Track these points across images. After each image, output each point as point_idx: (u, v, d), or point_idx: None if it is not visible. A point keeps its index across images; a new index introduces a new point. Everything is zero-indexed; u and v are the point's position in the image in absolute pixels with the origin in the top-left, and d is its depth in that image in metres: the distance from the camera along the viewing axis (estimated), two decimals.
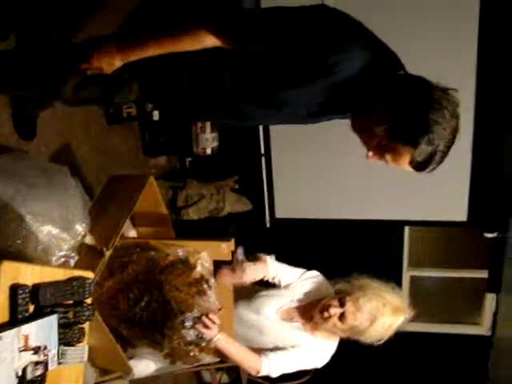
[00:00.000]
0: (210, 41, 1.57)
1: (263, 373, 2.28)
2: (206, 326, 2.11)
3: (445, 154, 1.54)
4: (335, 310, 2.22)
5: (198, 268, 2.10)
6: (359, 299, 2.19)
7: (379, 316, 2.18)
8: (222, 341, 2.18)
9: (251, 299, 2.43)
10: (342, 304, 2.22)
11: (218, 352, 2.23)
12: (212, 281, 2.15)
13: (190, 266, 2.11)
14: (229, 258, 2.19)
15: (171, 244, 2.17)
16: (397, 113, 1.52)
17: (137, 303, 2.04)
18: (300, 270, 2.48)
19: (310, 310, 2.35)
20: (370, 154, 1.63)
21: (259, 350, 2.30)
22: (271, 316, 2.37)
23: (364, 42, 1.56)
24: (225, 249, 2.18)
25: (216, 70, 1.67)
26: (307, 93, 1.61)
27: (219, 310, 2.15)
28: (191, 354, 2.10)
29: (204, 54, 1.65)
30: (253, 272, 2.32)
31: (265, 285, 2.49)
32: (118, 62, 1.63)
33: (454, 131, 1.53)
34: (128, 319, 2.06)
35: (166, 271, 2.06)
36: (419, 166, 1.56)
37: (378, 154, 1.61)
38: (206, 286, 2.10)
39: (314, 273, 2.49)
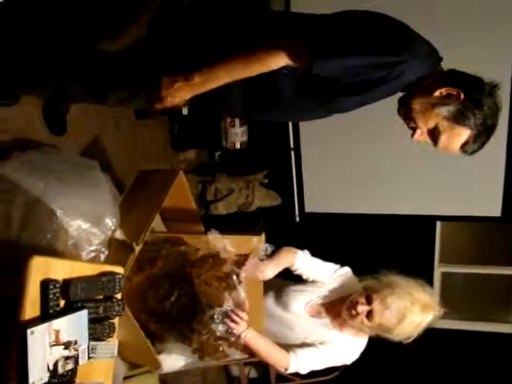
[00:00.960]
0: (282, 63, 1.60)
1: (291, 369, 2.26)
2: (234, 321, 2.10)
3: (488, 139, 1.69)
4: (362, 308, 2.19)
5: (229, 263, 2.09)
6: (387, 297, 2.15)
7: (408, 314, 2.14)
8: (251, 337, 2.17)
9: (280, 294, 2.42)
10: (369, 302, 2.19)
11: (246, 348, 2.22)
12: (242, 275, 2.14)
13: (220, 261, 2.10)
14: (259, 254, 2.17)
15: (201, 239, 2.16)
16: (459, 96, 1.62)
17: (166, 298, 2.04)
18: (332, 266, 2.45)
19: (338, 307, 2.32)
20: (419, 132, 1.71)
21: (288, 346, 2.28)
22: (299, 312, 2.35)
23: (421, 48, 1.65)
24: (256, 243, 2.17)
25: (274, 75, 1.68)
26: (364, 99, 1.70)
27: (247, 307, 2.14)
28: (220, 349, 2.10)
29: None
30: (270, 268, 2.30)
31: (295, 279, 2.47)
32: (189, 96, 1.68)
33: (497, 121, 1.69)
34: (157, 314, 2.06)
35: (196, 265, 2.06)
36: (469, 148, 1.68)
37: (431, 135, 1.70)
38: (235, 281, 2.08)
39: (345, 269, 2.46)
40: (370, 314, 2.19)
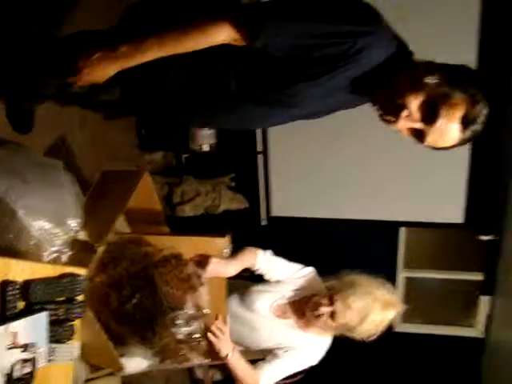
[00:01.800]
0: (224, 34, 1.45)
1: None
2: (215, 336, 2.14)
3: (481, 129, 1.50)
4: (325, 309, 2.22)
5: (191, 264, 2.08)
6: (349, 297, 2.18)
7: (369, 313, 2.17)
8: (234, 359, 2.21)
9: (244, 295, 2.43)
10: (331, 302, 2.22)
11: (209, 353, 2.22)
12: (204, 277, 2.13)
13: (182, 262, 2.09)
14: (223, 255, 2.17)
15: (165, 240, 2.15)
16: (452, 66, 1.49)
17: (129, 300, 2.01)
18: (295, 266, 2.47)
19: (303, 306, 2.34)
20: (405, 113, 1.48)
21: (253, 354, 2.31)
22: (264, 312, 2.36)
23: (388, 30, 1.53)
24: (220, 245, 2.16)
25: (217, 67, 1.57)
26: (325, 86, 1.53)
27: (209, 314, 2.13)
28: (181, 353, 2.08)
29: (199, 52, 1.53)
30: (232, 265, 2.28)
31: (258, 279, 2.48)
32: (113, 72, 1.53)
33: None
34: (119, 315, 2.03)
35: (158, 266, 2.04)
36: (469, 122, 1.47)
37: (426, 111, 1.47)
38: (197, 283, 2.07)
39: (309, 269, 2.48)
40: (332, 315, 2.21)
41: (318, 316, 2.24)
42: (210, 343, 2.19)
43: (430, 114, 1.47)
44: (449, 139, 1.51)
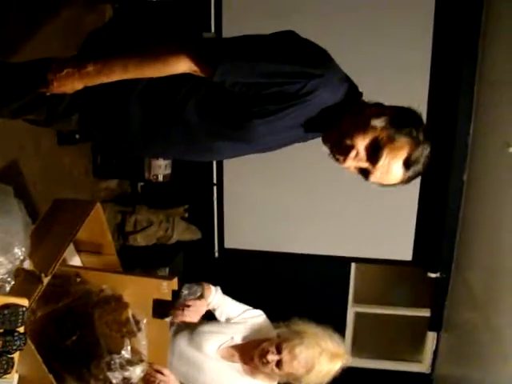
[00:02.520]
0: (184, 66, 1.51)
1: None
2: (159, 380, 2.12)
3: (424, 169, 1.59)
4: (272, 357, 2.21)
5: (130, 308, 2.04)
6: (295, 347, 2.18)
7: (316, 364, 2.17)
8: None
9: (193, 334, 2.39)
10: (279, 351, 2.21)
11: None
12: (144, 322, 2.07)
13: (122, 304, 2.04)
14: (169, 297, 2.09)
15: (112, 278, 2.10)
16: (394, 111, 1.57)
17: (69, 336, 1.95)
18: (243, 307, 2.46)
19: (251, 351, 2.32)
20: (353, 154, 1.55)
21: None
22: (211, 353, 2.32)
23: (339, 71, 1.60)
24: (165, 288, 2.10)
25: (177, 100, 1.61)
26: (278, 124, 1.58)
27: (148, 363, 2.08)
28: None
29: (159, 83, 1.60)
30: (200, 310, 2.30)
31: (207, 318, 2.46)
32: (79, 87, 1.57)
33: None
34: (58, 351, 1.97)
35: (98, 306, 1.99)
36: (411, 164, 1.55)
37: (370, 152, 1.55)
38: (135, 328, 2.02)
39: (258, 312, 2.46)
40: (279, 363, 2.20)
41: (265, 363, 2.23)
42: None
43: (374, 155, 1.54)
44: (392, 178, 1.59)
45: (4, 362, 1.55)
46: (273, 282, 4.49)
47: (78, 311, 1.99)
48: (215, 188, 4.29)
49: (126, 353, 1.97)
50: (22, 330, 1.63)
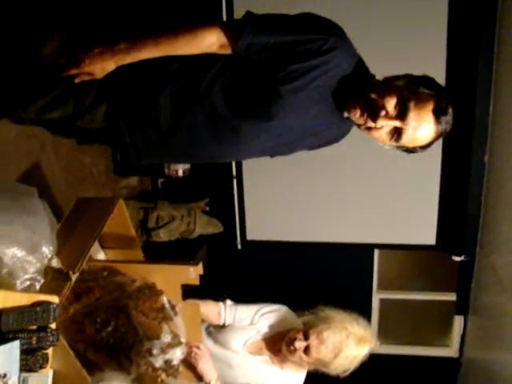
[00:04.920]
0: (213, 37, 1.56)
1: None
2: (198, 360, 2.18)
3: (451, 127, 1.63)
4: (300, 344, 2.23)
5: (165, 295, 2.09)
6: (323, 332, 2.21)
7: (343, 348, 2.20)
8: None
9: (218, 332, 2.42)
10: (306, 337, 2.23)
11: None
12: (179, 306, 2.14)
13: (156, 292, 2.10)
14: (196, 282, 2.17)
15: (138, 269, 2.15)
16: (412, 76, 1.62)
17: (103, 328, 2.01)
18: (259, 305, 2.48)
19: (278, 342, 2.35)
20: (383, 113, 1.59)
21: None
22: (239, 350, 2.36)
23: (351, 43, 1.65)
24: (192, 273, 2.17)
25: (204, 86, 1.63)
26: (303, 93, 1.61)
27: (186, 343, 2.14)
28: (159, 380, 2.08)
29: (186, 69, 1.63)
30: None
31: None
32: (111, 65, 1.60)
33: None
34: (95, 343, 2.02)
35: (132, 297, 2.04)
36: (441, 112, 1.59)
37: (398, 110, 1.58)
38: (171, 312, 2.08)
39: (277, 305, 2.49)
40: (307, 350, 2.23)
41: (293, 351, 2.25)
42: (191, 368, 2.20)
43: (403, 110, 1.58)
44: (424, 132, 1.61)
45: (39, 357, 1.59)
46: (297, 271, 4.49)
47: (110, 303, 2.03)
48: (235, 181, 4.30)
49: (165, 337, 2.03)
50: (54, 326, 1.66)
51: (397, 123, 1.60)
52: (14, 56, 2.57)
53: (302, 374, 2.40)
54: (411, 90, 1.58)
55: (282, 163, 4.15)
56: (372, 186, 4.13)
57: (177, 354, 2.08)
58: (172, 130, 1.73)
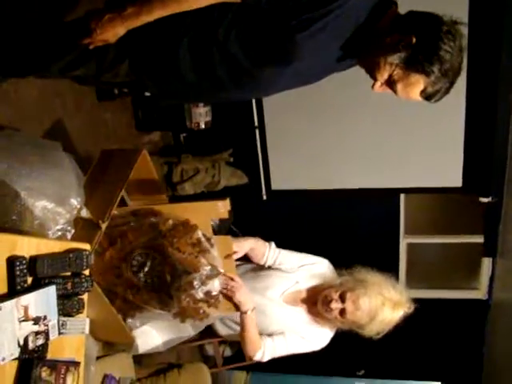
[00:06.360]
0: None
1: (255, 359, 2.37)
2: (236, 290, 2.23)
3: (452, 84, 1.62)
4: (336, 305, 2.27)
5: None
6: (359, 297, 2.24)
7: (378, 313, 2.23)
8: (251, 318, 2.28)
9: (256, 279, 2.46)
10: (342, 300, 2.26)
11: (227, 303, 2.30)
12: (213, 238, 2.21)
13: (191, 227, 2.15)
14: (226, 216, 2.27)
15: (168, 209, 2.21)
16: (410, 42, 1.55)
17: (140, 269, 2.09)
18: (302, 255, 2.51)
19: (315, 296, 2.38)
20: (378, 84, 1.64)
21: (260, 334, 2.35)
22: (275, 298, 2.39)
23: None
24: (221, 207, 2.23)
25: (220, 36, 1.62)
26: (319, 37, 1.58)
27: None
28: (200, 311, 2.17)
29: (200, 21, 1.62)
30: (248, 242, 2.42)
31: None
32: (122, 31, 1.60)
33: (461, 62, 1.60)
34: (134, 285, 2.11)
35: (167, 235, 2.10)
36: (430, 95, 1.62)
37: (389, 85, 1.64)
38: (208, 245, 2.14)
39: (320, 259, 2.52)
40: (343, 312, 2.27)
41: (328, 311, 2.29)
42: (229, 298, 2.27)
43: (392, 88, 1.64)
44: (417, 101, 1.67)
45: (75, 303, 1.64)
46: (323, 220, 4.50)
47: (145, 244, 2.10)
48: (257, 131, 4.27)
49: (204, 269, 2.13)
50: (87, 272, 1.70)
51: (391, 91, 1.66)
52: (32, 14, 2.56)
53: (332, 331, 2.44)
54: (402, 71, 1.58)
55: (304, 111, 4.13)
56: (397, 130, 4.07)
57: (215, 285, 2.18)
58: (195, 79, 1.74)
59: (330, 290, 2.32)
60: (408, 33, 1.55)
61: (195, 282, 2.08)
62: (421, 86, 1.60)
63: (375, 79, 1.64)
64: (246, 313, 2.26)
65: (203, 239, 2.16)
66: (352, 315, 2.25)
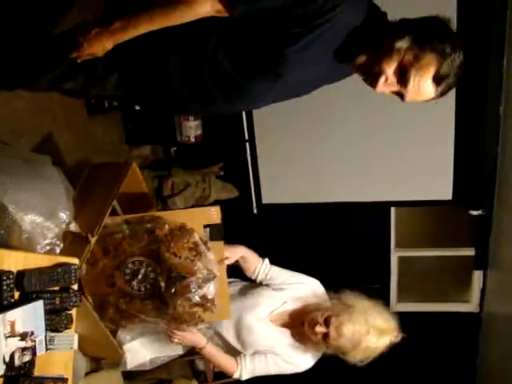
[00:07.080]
0: (207, 6, 1.52)
1: (235, 377, 2.38)
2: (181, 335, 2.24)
3: (457, 79, 1.58)
4: (320, 329, 2.23)
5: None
6: (343, 324, 2.19)
7: (362, 341, 2.18)
8: (210, 349, 2.33)
9: (246, 295, 2.44)
10: (327, 324, 2.22)
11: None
12: (210, 242, 2.21)
13: (187, 231, 2.14)
14: (218, 221, 2.27)
15: (163, 215, 2.20)
16: (421, 24, 1.54)
17: (134, 277, 2.09)
18: (293, 273, 2.49)
19: (302, 317, 2.34)
20: (383, 79, 1.57)
21: (238, 353, 2.37)
22: (263, 317, 2.37)
23: None
24: (213, 212, 2.22)
25: (209, 49, 1.62)
26: (309, 51, 1.57)
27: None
28: (196, 315, 2.17)
29: (189, 34, 1.62)
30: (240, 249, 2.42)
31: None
32: (110, 45, 1.59)
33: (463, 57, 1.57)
34: (127, 294, 2.10)
35: (164, 240, 2.11)
36: (442, 76, 1.55)
37: (399, 76, 1.56)
38: (205, 248, 2.16)
39: (309, 279, 2.49)
40: (326, 337, 2.22)
41: (314, 333, 2.26)
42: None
43: (403, 78, 1.56)
44: (425, 96, 1.60)
45: (64, 318, 1.62)
46: (314, 233, 4.49)
47: (140, 252, 2.10)
48: (247, 144, 4.27)
49: (200, 273, 2.13)
50: (75, 287, 1.68)
51: (397, 88, 1.60)
52: (22, 27, 2.55)
53: (317, 355, 2.41)
54: (413, 55, 1.53)
55: (294, 124, 4.14)
56: (386, 143, 4.08)
57: (211, 289, 2.18)
58: (184, 92, 1.74)
59: (316, 314, 2.29)
60: (415, 23, 1.56)
61: (192, 286, 2.08)
62: (433, 68, 1.53)
63: (379, 75, 1.57)
64: (204, 348, 2.32)
65: (200, 242, 2.16)
66: (335, 341, 2.21)
